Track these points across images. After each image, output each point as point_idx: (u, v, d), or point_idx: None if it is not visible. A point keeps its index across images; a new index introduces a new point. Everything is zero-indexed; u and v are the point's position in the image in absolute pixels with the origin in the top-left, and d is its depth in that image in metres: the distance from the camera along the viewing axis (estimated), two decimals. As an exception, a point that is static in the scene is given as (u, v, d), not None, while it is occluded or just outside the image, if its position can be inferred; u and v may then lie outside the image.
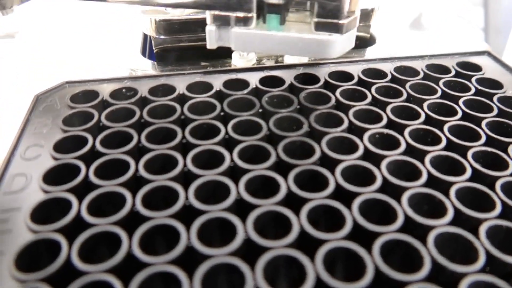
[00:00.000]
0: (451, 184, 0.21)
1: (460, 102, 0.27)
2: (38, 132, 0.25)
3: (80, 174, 0.21)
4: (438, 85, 0.29)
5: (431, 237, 0.18)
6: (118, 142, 0.24)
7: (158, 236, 0.19)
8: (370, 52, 0.39)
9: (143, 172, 0.21)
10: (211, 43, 0.27)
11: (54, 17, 0.45)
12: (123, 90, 0.28)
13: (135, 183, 0.21)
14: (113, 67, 0.35)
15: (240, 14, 0.26)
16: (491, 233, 0.19)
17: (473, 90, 0.29)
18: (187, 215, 0.19)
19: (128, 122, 0.25)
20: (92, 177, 0.21)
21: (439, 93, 0.28)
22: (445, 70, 0.31)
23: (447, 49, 0.35)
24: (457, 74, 0.31)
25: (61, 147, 0.23)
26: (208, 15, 0.26)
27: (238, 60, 0.35)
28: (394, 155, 0.23)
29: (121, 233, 0.18)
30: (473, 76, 0.30)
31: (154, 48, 0.37)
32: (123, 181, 0.21)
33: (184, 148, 0.24)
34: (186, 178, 0.22)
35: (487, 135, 0.25)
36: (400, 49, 0.39)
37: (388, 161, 0.22)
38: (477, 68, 0.32)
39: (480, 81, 0.30)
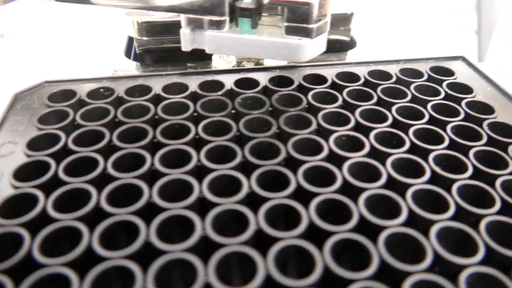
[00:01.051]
0: (408, 186, 0.22)
1: (429, 106, 0.28)
2: (14, 130, 0.26)
3: (50, 171, 0.22)
4: (409, 89, 0.30)
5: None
6: (91, 141, 0.24)
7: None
8: (351, 56, 0.40)
9: (111, 170, 0.22)
10: (186, 46, 0.28)
11: (42, 18, 0.46)
12: (101, 90, 0.29)
13: (103, 180, 0.22)
14: (96, 68, 0.36)
15: (214, 18, 0.26)
16: (443, 234, 0.19)
17: (442, 95, 0.30)
18: (149, 212, 0.20)
19: (102, 121, 0.26)
20: (61, 174, 0.22)
21: (409, 97, 0.29)
22: (418, 74, 0.32)
23: (426, 53, 0.35)
24: (430, 79, 0.32)
25: (34, 144, 0.24)
26: (182, 18, 0.27)
27: (218, 62, 0.36)
28: (357, 157, 0.23)
29: (83, 228, 0.19)
30: (444, 80, 0.31)
31: (137, 50, 0.38)
32: (91, 178, 0.22)
33: (155, 147, 0.24)
34: (152, 176, 0.22)
35: (450, 138, 0.25)
36: (381, 52, 0.40)
37: (350, 162, 0.23)
38: (449, 73, 0.32)
39: (451, 85, 0.30)
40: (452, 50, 0.37)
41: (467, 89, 0.30)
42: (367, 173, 0.23)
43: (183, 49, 0.28)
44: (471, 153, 0.24)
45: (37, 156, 0.23)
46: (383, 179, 0.22)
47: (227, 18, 0.26)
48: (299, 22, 0.26)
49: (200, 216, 0.19)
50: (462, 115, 0.27)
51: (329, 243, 0.18)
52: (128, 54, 0.39)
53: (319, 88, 0.30)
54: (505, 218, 0.20)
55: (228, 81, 0.30)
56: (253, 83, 0.30)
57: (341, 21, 0.39)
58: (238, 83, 0.30)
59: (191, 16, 0.27)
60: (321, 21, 0.26)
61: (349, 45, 0.41)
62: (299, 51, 0.27)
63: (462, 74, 0.33)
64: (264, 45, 0.27)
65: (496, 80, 0.32)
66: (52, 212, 0.20)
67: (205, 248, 0.19)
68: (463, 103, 0.29)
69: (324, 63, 0.33)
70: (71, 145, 0.24)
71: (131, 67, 0.37)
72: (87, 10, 0.43)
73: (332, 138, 0.25)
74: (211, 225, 0.19)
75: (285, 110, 0.27)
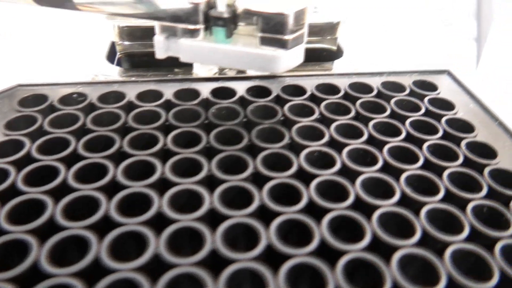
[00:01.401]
0: (376, 208, 0.21)
1: (407, 122, 0.27)
2: (-20, 134, 0.25)
3: (8, 179, 0.21)
4: (389, 103, 0.29)
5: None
6: (56, 149, 0.24)
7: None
8: (337, 65, 0.39)
9: (71, 181, 0.22)
10: (159, 53, 0.27)
11: (25, 20, 0.45)
12: (74, 96, 0.29)
13: (62, 190, 0.21)
14: (76, 72, 0.35)
15: (188, 26, 0.26)
16: (405, 261, 0.19)
17: (423, 110, 0.29)
18: (104, 226, 0.20)
19: (69, 128, 0.25)
20: (20, 183, 0.21)
21: (388, 111, 0.28)
22: (400, 88, 0.31)
23: (418, 64, 0.35)
24: (412, 93, 0.31)
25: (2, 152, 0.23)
26: (156, 25, 0.26)
27: (199, 69, 0.35)
28: (326, 174, 0.23)
29: (31, 240, 0.18)
30: (426, 95, 0.30)
31: (118, 54, 0.37)
32: (50, 188, 0.21)
33: (122, 157, 0.24)
34: (115, 188, 0.22)
35: (425, 158, 0.25)
36: (369, 62, 0.39)
37: (319, 180, 0.22)
38: (432, 87, 0.32)
39: (433, 101, 0.30)
40: (448, 59, 0.37)
41: (448, 105, 0.30)
42: (337, 191, 0.22)
43: (157, 56, 0.27)
44: (445, 174, 0.23)
45: (-2, 163, 0.22)
46: (351, 199, 0.21)
47: (201, 26, 0.26)
48: (273, 33, 0.25)
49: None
50: (440, 133, 0.27)
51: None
52: (111, 58, 0.38)
53: (297, 100, 0.29)
54: (472, 246, 0.19)
55: (205, 89, 0.29)
56: (230, 93, 0.29)
57: (327, 30, 0.38)
58: (215, 92, 0.29)
59: (165, 23, 0.26)
60: (297, 32, 0.26)
61: (336, 54, 0.40)
62: (274, 63, 0.26)
63: (446, 88, 0.32)
64: (238, 55, 0.26)
65: (479, 96, 0.31)
66: (6, 225, 0.19)
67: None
68: (443, 120, 0.28)
69: (306, 74, 0.33)
70: (34, 153, 0.23)
71: (114, 72, 0.37)
72: (71, 14, 0.43)
73: (303, 153, 0.24)
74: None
75: (259, 122, 0.27)
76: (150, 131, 0.25)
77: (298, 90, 0.30)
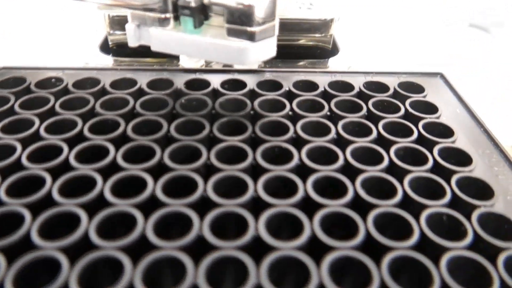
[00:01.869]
0: (322, 206, 0.20)
1: (381, 123, 0.26)
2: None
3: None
4: (367, 104, 0.28)
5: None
6: (22, 129, 0.24)
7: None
8: (332, 63, 0.38)
9: (25, 161, 0.22)
10: (131, 41, 0.27)
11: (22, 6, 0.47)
12: (53, 80, 0.29)
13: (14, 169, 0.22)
14: (68, 60, 0.36)
15: (156, 15, 0.26)
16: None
17: (401, 112, 0.27)
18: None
19: (36, 110, 0.26)
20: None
21: (363, 111, 0.27)
22: (384, 88, 0.30)
23: (410, 66, 0.33)
24: (395, 94, 0.29)
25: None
26: (128, 13, 0.26)
27: (186, 61, 0.35)
28: (280, 169, 0.22)
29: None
30: (409, 97, 0.29)
31: (109, 43, 0.38)
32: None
33: (78, 140, 0.24)
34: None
35: (390, 160, 0.23)
36: (363, 61, 0.38)
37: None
38: (419, 89, 0.30)
39: (414, 103, 0.28)
40: (449, 59, 0.35)
41: (431, 109, 0.28)
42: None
43: (130, 44, 0.27)
44: (408, 178, 0.22)
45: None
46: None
47: (171, 15, 0.26)
48: (239, 24, 0.24)
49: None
50: (414, 136, 0.25)
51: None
52: (105, 48, 0.39)
53: (272, 95, 0.28)
54: (416, 254, 0.18)
55: (181, 80, 0.29)
56: (203, 84, 0.29)
57: (321, 27, 0.37)
58: (188, 83, 0.29)
59: (136, 12, 0.26)
60: (266, 24, 0.25)
61: (331, 52, 0.39)
62: (242, 55, 0.25)
63: (435, 92, 0.30)
64: (206, 46, 0.26)
65: (468, 101, 0.29)
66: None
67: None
68: (420, 123, 0.26)
69: (286, 70, 0.32)
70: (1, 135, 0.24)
71: (106, 62, 0.37)
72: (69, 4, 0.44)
73: (260, 149, 0.23)
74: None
75: (224, 115, 0.26)
76: (113, 117, 0.25)
77: (274, 85, 0.30)
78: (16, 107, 0.26)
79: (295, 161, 0.23)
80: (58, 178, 0.21)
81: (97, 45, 0.39)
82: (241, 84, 0.30)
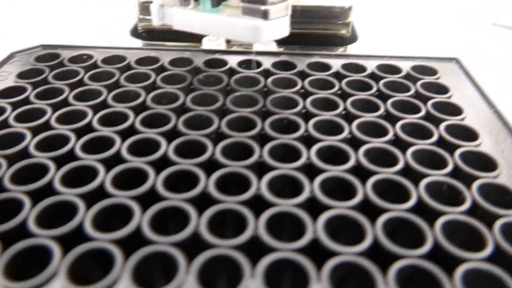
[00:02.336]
0: (323, 171, 0.21)
1: (389, 101, 0.27)
2: (-4, 81, 0.29)
3: (6, 113, 0.25)
4: (377, 84, 0.29)
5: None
6: (51, 97, 0.27)
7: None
8: (351, 50, 0.39)
9: (53, 123, 0.24)
10: (155, 20, 0.29)
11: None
12: (84, 56, 0.32)
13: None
14: (101, 42, 0.39)
15: (179, -6, 0.28)
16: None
17: (411, 92, 0.28)
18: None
19: (68, 81, 0.28)
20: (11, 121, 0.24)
21: (373, 90, 0.28)
22: (395, 71, 0.30)
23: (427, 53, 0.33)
24: (407, 76, 0.30)
25: (3, 94, 0.27)
26: (153, -7, 0.29)
27: (208, 44, 0.37)
28: (286, 138, 0.23)
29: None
30: (421, 79, 0.29)
31: (138, 28, 0.40)
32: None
33: (103, 107, 0.26)
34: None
35: (395, 133, 0.24)
36: (380, 48, 0.38)
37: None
38: (431, 72, 0.30)
39: (426, 84, 0.29)
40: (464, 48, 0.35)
41: (442, 89, 0.28)
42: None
43: (153, 23, 0.29)
44: (411, 149, 0.23)
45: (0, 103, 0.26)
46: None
47: (191, -5, 0.27)
48: (253, 3, 0.26)
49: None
50: (421, 113, 0.26)
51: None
52: (135, 34, 0.42)
53: (284, 74, 0.29)
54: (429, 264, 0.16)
55: (200, 60, 0.31)
56: (222, 63, 0.31)
57: (339, 14, 0.38)
58: (207, 62, 0.31)
59: (159, -9, 0.28)
60: (278, 4, 0.26)
61: (349, 39, 0.40)
62: (255, 32, 0.27)
63: (449, 76, 0.30)
64: (223, 24, 0.27)
65: (480, 83, 0.29)
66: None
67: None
68: (430, 102, 0.27)
69: (297, 52, 0.33)
70: (32, 99, 0.26)
71: (135, 44, 0.40)
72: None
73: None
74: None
75: (238, 90, 0.28)
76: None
77: (287, 65, 0.31)
78: (50, 78, 0.29)
79: (301, 131, 0.24)
80: (82, 137, 0.23)
81: (128, 30, 0.41)
82: (256, 64, 0.31)
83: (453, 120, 0.25)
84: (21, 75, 0.29)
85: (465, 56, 0.33)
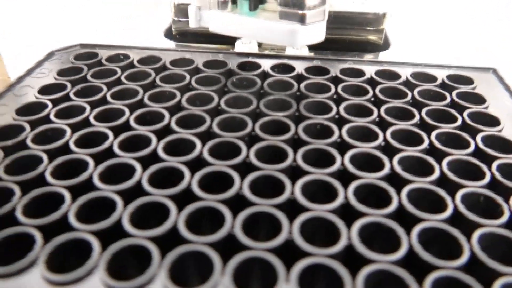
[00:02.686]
0: (356, 177, 0.21)
1: (424, 110, 0.26)
2: (36, 77, 0.30)
3: (47, 109, 0.26)
4: (412, 92, 0.28)
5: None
6: (89, 94, 0.28)
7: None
8: (383, 56, 0.39)
9: (92, 120, 0.25)
10: (192, 22, 0.30)
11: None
12: (121, 56, 0.32)
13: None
14: (133, 42, 0.39)
15: (216, -3, 0.28)
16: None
17: (446, 101, 0.27)
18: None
19: (105, 80, 0.29)
20: (53, 116, 0.25)
21: (407, 98, 0.28)
22: (431, 79, 0.30)
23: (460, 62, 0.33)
24: (443, 85, 0.30)
25: (44, 90, 0.28)
26: (190, -4, 0.29)
27: (240, 47, 0.37)
28: (320, 143, 0.23)
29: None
30: (457, 88, 0.29)
31: (173, 30, 0.41)
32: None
33: (139, 106, 0.27)
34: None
35: (430, 143, 0.24)
36: (416, 55, 0.38)
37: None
38: (468, 82, 0.30)
39: (462, 94, 0.28)
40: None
41: (479, 99, 0.28)
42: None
43: (190, 25, 0.30)
44: (446, 160, 0.22)
45: (41, 99, 0.27)
46: (336, 166, 0.21)
47: (229, -2, 0.28)
48: (291, 7, 0.26)
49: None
50: (458, 123, 0.25)
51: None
52: (169, 35, 0.42)
53: (317, 79, 0.29)
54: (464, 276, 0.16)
55: (234, 62, 0.32)
56: (255, 67, 0.31)
57: (373, 21, 0.38)
58: (240, 65, 0.31)
59: (197, -6, 0.29)
60: (316, 9, 0.26)
61: (382, 46, 0.39)
62: (292, 36, 0.27)
63: (486, 86, 0.30)
64: (259, 27, 0.28)
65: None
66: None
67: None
68: (466, 112, 0.26)
69: (331, 58, 0.33)
70: (72, 96, 0.27)
71: (168, 45, 0.40)
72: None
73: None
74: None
75: (271, 93, 0.28)
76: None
77: (320, 70, 0.31)
78: (88, 76, 0.29)
79: (335, 137, 0.24)
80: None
81: (162, 31, 0.42)
82: (289, 68, 0.31)
83: (490, 131, 0.25)
84: (60, 73, 0.30)
85: (503, 64, 0.32)
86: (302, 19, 0.26)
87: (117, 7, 0.50)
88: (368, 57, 0.38)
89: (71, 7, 0.51)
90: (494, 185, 0.21)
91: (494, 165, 0.22)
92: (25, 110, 0.26)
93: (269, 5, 0.29)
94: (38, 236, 0.17)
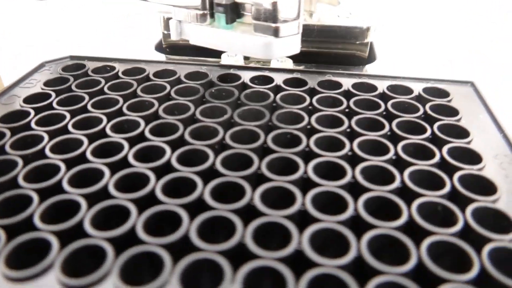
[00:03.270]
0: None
1: (395, 121, 0.27)
2: (24, 87, 0.31)
3: (29, 117, 0.27)
4: (386, 104, 0.29)
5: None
6: (71, 103, 0.29)
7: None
8: (368, 70, 0.39)
9: (71, 128, 0.26)
10: (173, 35, 0.31)
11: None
12: (107, 68, 0.34)
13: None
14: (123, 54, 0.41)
15: (196, 12, 0.29)
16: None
17: (419, 113, 0.28)
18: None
19: (88, 90, 0.30)
20: (34, 124, 0.26)
21: (380, 110, 0.28)
22: (407, 92, 0.30)
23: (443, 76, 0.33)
24: (419, 98, 0.30)
25: (29, 100, 0.29)
26: (172, 10, 0.30)
27: (226, 59, 0.38)
28: (285, 152, 0.24)
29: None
30: (431, 101, 0.29)
31: (163, 44, 0.42)
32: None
33: (119, 114, 0.28)
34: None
35: (396, 154, 0.24)
36: (403, 68, 0.38)
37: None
38: (444, 94, 0.30)
39: (435, 106, 0.28)
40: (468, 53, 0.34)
41: (452, 112, 0.28)
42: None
43: (172, 37, 0.31)
44: (409, 170, 0.23)
45: (25, 107, 0.28)
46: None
47: (207, 12, 0.29)
48: (264, 21, 0.27)
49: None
50: (426, 134, 0.26)
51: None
52: (160, 48, 0.44)
53: (294, 90, 0.30)
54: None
55: (215, 74, 0.32)
56: (235, 78, 0.32)
57: (357, 35, 0.38)
58: (220, 77, 0.32)
59: (178, 8, 0.30)
60: (289, 22, 0.27)
61: (367, 59, 0.40)
62: (266, 49, 0.28)
63: (462, 99, 0.30)
64: (236, 40, 0.29)
65: (494, 109, 0.28)
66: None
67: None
68: (436, 124, 0.26)
69: (311, 70, 0.34)
70: (55, 105, 0.28)
71: (158, 58, 0.42)
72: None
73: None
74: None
75: (248, 104, 0.29)
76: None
77: (298, 82, 0.32)
78: (73, 87, 0.31)
79: (302, 146, 0.24)
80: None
81: (153, 45, 0.43)
82: (268, 80, 0.32)
83: (458, 142, 0.25)
84: (47, 83, 0.31)
85: (485, 80, 0.33)
86: (275, 32, 0.27)
87: (111, 20, 0.52)
88: (355, 70, 0.39)
89: (68, 18, 0.53)
90: (454, 195, 0.21)
91: (456, 175, 0.22)
92: (8, 117, 0.27)
93: (247, 19, 0.29)
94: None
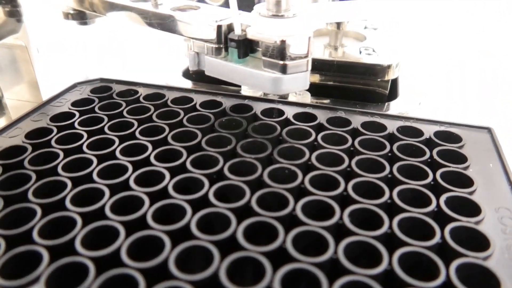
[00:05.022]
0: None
1: (396, 165, 0.26)
2: (56, 106, 0.34)
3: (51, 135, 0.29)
4: (392, 146, 0.28)
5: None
6: (90, 124, 0.31)
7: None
8: (389, 107, 0.39)
9: (85, 148, 0.28)
10: (191, 66, 0.33)
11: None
12: (132, 92, 0.36)
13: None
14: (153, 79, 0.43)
15: (212, 45, 0.31)
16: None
17: (424, 158, 0.27)
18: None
19: (108, 112, 0.32)
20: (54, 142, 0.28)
21: (385, 151, 0.28)
22: (418, 134, 0.30)
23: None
24: (428, 141, 0.29)
25: (56, 118, 0.32)
26: (191, 42, 0.32)
27: (246, 90, 0.40)
28: (277, 187, 0.24)
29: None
30: (440, 145, 0.28)
31: (190, 71, 0.44)
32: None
33: (131, 138, 0.29)
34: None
35: (391, 199, 0.24)
36: (422, 108, 0.38)
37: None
38: (456, 139, 0.29)
39: (443, 151, 0.28)
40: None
41: (460, 159, 0.27)
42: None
43: (190, 68, 0.33)
44: (398, 217, 0.22)
45: (50, 125, 0.30)
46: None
47: (222, 46, 0.30)
48: (273, 58, 0.28)
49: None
50: (427, 181, 0.25)
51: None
52: (187, 75, 0.46)
53: (301, 125, 0.31)
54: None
55: (229, 102, 0.34)
56: (247, 109, 0.33)
57: (377, 72, 0.38)
58: (233, 107, 0.33)
59: (196, 41, 0.31)
60: (298, 60, 0.28)
61: (388, 96, 0.39)
62: (274, 84, 0.29)
63: (475, 145, 0.29)
64: (246, 74, 0.30)
65: (509, 160, 0.27)
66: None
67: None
68: (439, 170, 0.26)
69: (325, 106, 0.34)
70: (76, 125, 0.31)
71: (185, 85, 0.44)
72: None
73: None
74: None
75: (254, 136, 0.29)
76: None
77: (308, 117, 0.32)
78: (96, 109, 0.33)
79: (297, 183, 0.25)
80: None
81: (180, 71, 0.46)
82: (279, 113, 0.32)
83: (459, 191, 0.24)
84: (74, 104, 0.34)
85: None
86: (283, 69, 0.28)
87: (156, 43, 0.55)
88: (375, 106, 0.39)
89: (113, 40, 0.57)
90: (443, 246, 0.21)
91: (449, 227, 0.22)
92: (32, 134, 0.29)
93: (259, 54, 0.30)
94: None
